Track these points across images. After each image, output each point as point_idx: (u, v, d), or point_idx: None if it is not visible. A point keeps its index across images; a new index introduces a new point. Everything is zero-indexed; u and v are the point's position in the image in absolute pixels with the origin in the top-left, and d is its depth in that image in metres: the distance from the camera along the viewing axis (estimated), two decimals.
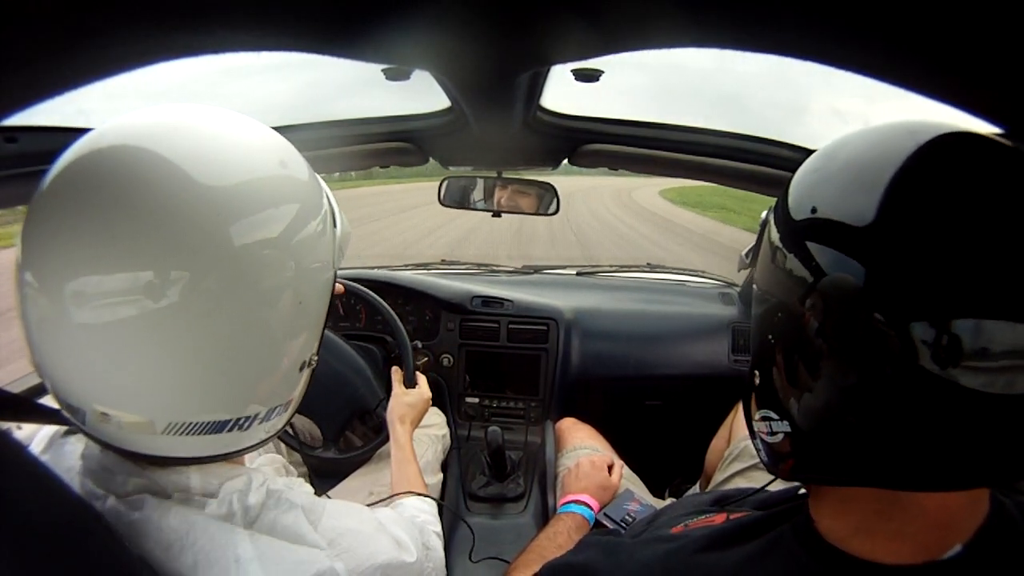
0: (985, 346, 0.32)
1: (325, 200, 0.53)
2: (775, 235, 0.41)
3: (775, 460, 0.44)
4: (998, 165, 0.35)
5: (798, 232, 0.40)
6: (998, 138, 0.36)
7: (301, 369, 0.51)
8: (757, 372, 0.44)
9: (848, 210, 0.37)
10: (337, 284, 0.86)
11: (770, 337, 0.42)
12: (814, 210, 0.39)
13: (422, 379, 1.04)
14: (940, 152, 0.36)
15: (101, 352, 0.40)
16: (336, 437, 1.12)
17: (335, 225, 0.54)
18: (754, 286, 0.45)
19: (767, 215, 0.44)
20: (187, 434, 0.44)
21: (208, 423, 0.45)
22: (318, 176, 0.53)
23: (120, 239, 0.39)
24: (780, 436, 0.42)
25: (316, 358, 0.54)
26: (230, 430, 0.46)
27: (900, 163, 0.36)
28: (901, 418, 0.35)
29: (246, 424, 0.47)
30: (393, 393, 1.00)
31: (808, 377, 0.38)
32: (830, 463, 0.40)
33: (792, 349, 0.39)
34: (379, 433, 1.07)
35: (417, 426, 1.00)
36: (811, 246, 0.38)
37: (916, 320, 0.33)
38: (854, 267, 0.35)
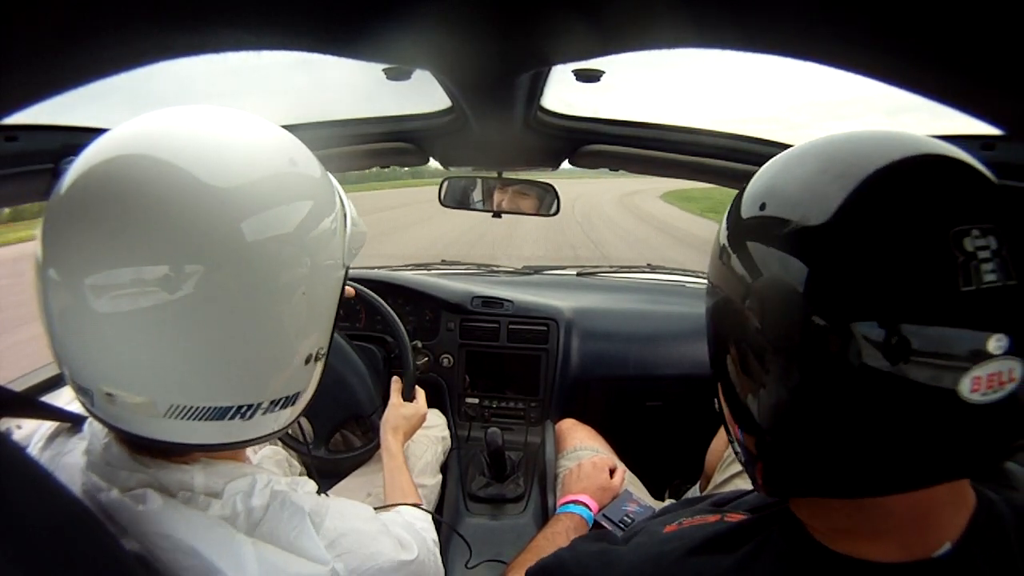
0: (931, 348, 0.32)
1: (338, 198, 0.53)
2: (723, 232, 0.42)
3: (749, 465, 0.45)
4: (960, 184, 0.35)
5: (745, 230, 0.40)
6: (972, 163, 0.36)
7: (308, 362, 0.51)
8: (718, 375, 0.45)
9: (800, 209, 0.36)
10: (347, 287, 0.86)
11: (719, 333, 0.43)
12: (763, 207, 0.39)
13: (420, 394, 1.04)
14: (904, 164, 0.36)
15: (114, 337, 0.42)
16: (327, 437, 1.11)
17: (347, 223, 0.54)
18: (707, 281, 0.45)
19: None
20: (189, 418, 0.45)
21: (210, 408, 0.45)
22: (330, 174, 0.53)
23: (135, 237, 0.41)
24: (739, 449, 0.43)
25: (324, 352, 0.54)
26: (232, 418, 0.46)
27: (864, 168, 0.35)
28: (847, 413, 0.35)
29: (249, 413, 0.47)
30: (390, 403, 1.00)
31: (757, 375, 0.39)
32: (792, 473, 0.40)
33: (738, 347, 0.40)
34: (373, 437, 1.07)
35: (409, 438, 1.00)
36: (752, 245, 0.38)
37: (862, 320, 0.33)
38: (795, 266, 0.35)
